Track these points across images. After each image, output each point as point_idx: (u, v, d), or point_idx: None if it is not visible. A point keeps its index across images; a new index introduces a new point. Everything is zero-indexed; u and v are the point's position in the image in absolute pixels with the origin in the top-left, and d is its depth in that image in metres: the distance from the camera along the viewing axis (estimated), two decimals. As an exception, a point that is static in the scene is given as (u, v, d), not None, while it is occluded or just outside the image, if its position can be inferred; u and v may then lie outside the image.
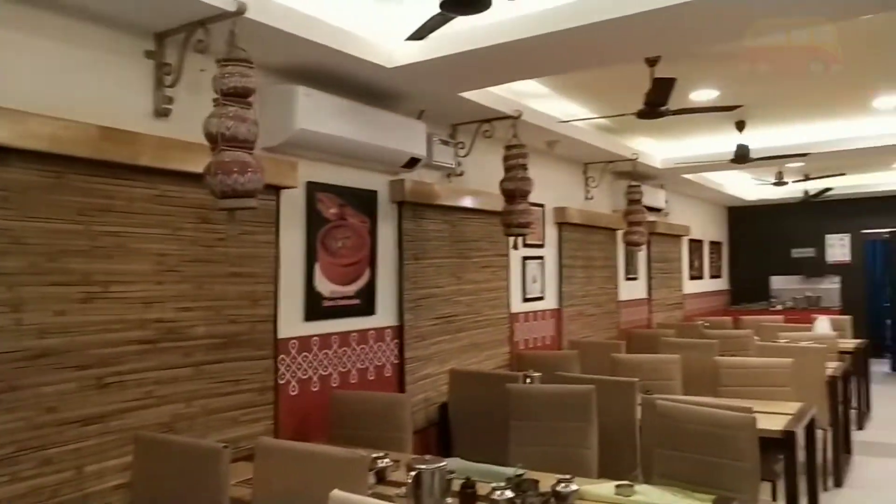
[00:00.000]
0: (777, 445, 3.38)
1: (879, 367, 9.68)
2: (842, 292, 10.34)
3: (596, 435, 3.34)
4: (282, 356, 3.47)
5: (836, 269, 10.47)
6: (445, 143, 4.52)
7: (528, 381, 4.14)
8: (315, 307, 3.66)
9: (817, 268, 10.57)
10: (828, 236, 10.53)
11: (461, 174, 4.75)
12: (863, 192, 9.46)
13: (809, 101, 5.36)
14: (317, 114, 3.33)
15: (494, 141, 4.72)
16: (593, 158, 6.26)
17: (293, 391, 3.54)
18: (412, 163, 4.03)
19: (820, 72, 4.35)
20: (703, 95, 4.86)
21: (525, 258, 5.58)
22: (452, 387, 4.33)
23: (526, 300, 5.59)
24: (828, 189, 8.73)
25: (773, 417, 3.52)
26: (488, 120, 4.51)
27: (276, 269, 3.41)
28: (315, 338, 3.68)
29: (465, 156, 4.71)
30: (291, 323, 3.54)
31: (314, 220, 3.67)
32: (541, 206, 5.75)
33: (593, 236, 6.57)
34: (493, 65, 3.47)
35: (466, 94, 4.04)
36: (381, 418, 3.39)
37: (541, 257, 5.81)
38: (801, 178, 8.04)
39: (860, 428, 6.61)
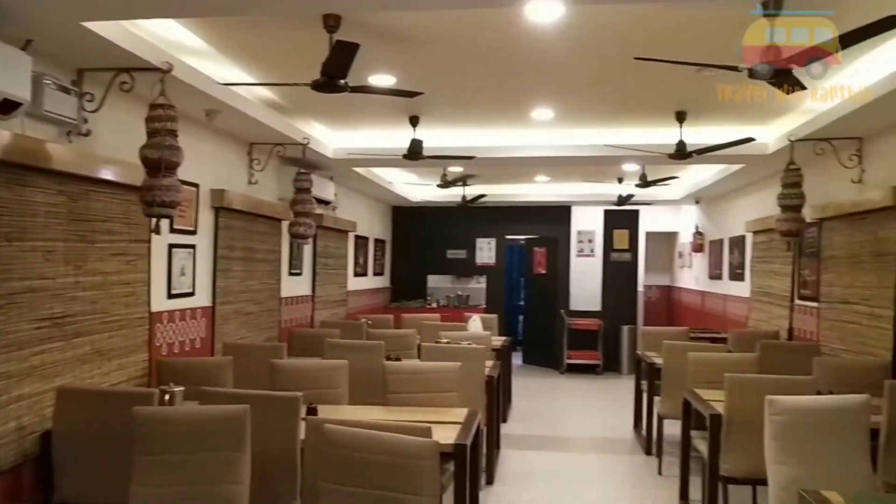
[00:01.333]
0: (447, 457, 3.13)
1: (514, 360, 10.63)
2: (487, 292, 11.17)
3: (248, 466, 2.70)
4: None
5: (483, 270, 11.28)
6: (65, 90, 3.44)
7: (166, 398, 3.33)
8: None
9: (467, 268, 11.28)
10: (478, 240, 11.30)
11: (88, 134, 3.69)
12: (508, 200, 10.28)
13: (478, 107, 5.42)
14: None
15: (137, 99, 3.77)
16: (260, 138, 5.57)
17: None
18: (8, 107, 2.93)
19: (484, 79, 4.39)
20: (381, 80, 4.54)
21: (172, 246, 4.66)
22: (60, 410, 3.30)
23: (172, 296, 4.67)
24: (482, 195, 9.27)
25: (443, 428, 3.26)
26: (129, 70, 3.56)
27: None
28: None
29: (94, 111, 3.67)
30: None
31: None
32: (194, 185, 4.88)
33: (256, 225, 5.87)
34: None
35: (95, 27, 3.08)
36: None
37: (192, 246, 4.93)
38: (461, 182, 8.36)
39: (504, 421, 6.99)
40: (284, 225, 6.11)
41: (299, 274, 7.01)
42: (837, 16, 3.11)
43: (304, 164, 5.80)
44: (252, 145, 5.75)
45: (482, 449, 4.16)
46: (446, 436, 3.16)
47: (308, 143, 5.62)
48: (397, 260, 11.22)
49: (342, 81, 3.58)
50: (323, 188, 6.82)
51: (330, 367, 4.20)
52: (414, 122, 5.69)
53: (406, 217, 11.17)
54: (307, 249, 7.04)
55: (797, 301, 6.34)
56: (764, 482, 3.06)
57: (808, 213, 5.34)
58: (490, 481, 5.17)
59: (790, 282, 6.46)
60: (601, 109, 5.46)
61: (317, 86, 3.59)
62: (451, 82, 4.71)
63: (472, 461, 3.55)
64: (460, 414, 3.66)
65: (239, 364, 4.33)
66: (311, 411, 3.37)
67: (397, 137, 5.99)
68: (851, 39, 2.81)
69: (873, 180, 4.94)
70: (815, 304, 5.86)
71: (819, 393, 3.75)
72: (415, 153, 5.71)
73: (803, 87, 3.27)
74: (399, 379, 4.09)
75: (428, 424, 2.64)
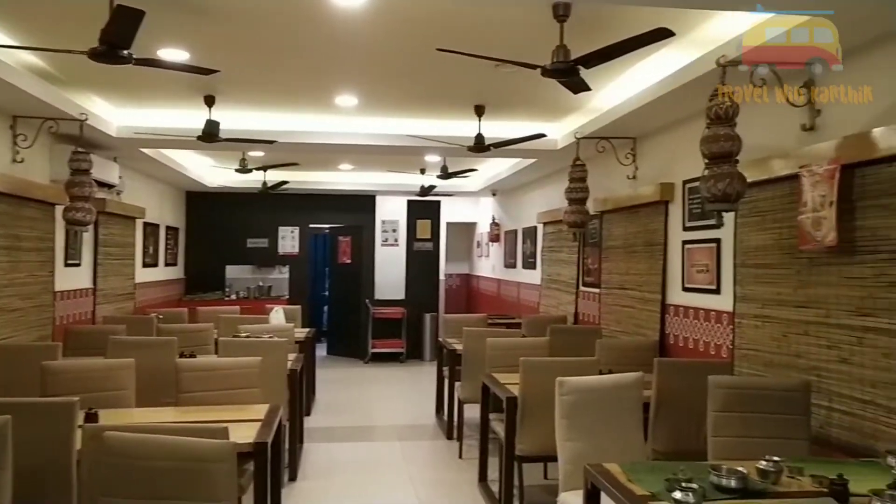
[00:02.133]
0: (247, 457, 2.98)
1: (319, 351, 10.48)
2: (290, 282, 10.88)
3: (9, 486, 2.36)
4: None
5: (286, 260, 10.96)
6: None
7: None
8: None
9: (270, 258, 10.89)
10: (280, 228, 10.95)
11: None
12: (312, 188, 10.07)
13: (279, 89, 5.21)
14: None
15: None
16: (27, 111, 4.91)
17: None
18: None
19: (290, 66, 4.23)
20: (173, 55, 4.19)
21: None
22: None
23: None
24: (284, 182, 8.98)
25: (242, 427, 3.10)
26: None
27: None
28: None
29: None
30: None
31: None
32: (-58, 163, 4.20)
33: (23, 210, 5.18)
34: None
35: None
36: None
37: (-61, 234, 4.24)
38: (261, 167, 8.03)
39: (308, 414, 6.85)
40: (59, 210, 5.47)
41: (78, 265, 6.32)
42: (618, 27, 3.38)
43: (82, 142, 5.20)
44: (16, 118, 5.06)
45: (284, 445, 4.03)
46: (245, 434, 3.01)
47: (86, 120, 5.05)
48: (192, 249, 10.55)
49: (125, 52, 3.24)
50: (105, 170, 6.20)
51: (113, 366, 3.82)
52: (210, 101, 5.34)
53: (202, 203, 10.52)
54: (87, 237, 6.36)
55: (582, 287, 6.88)
56: (555, 459, 3.27)
57: (591, 206, 5.80)
58: (293, 477, 5.03)
59: (576, 270, 7.00)
60: (405, 99, 5.50)
61: (95, 55, 3.21)
62: (251, 61, 4.47)
63: (274, 459, 3.42)
64: (261, 410, 3.50)
65: (2, 370, 3.80)
66: (91, 417, 3.03)
67: (191, 118, 5.60)
68: (623, 49, 3.05)
69: (645, 177, 5.48)
70: (596, 290, 6.40)
71: (601, 372, 4.09)
72: (210, 135, 5.37)
73: (588, 88, 3.52)
74: (193, 377, 3.82)
75: (224, 424, 2.48)
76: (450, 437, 6.15)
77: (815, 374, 3.37)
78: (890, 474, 2.45)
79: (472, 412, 5.64)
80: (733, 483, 2.39)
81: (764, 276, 3.82)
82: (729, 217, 3.99)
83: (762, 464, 2.52)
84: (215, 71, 3.82)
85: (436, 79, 4.81)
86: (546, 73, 3.30)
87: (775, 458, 2.54)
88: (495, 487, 4.59)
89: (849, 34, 3.00)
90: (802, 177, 3.39)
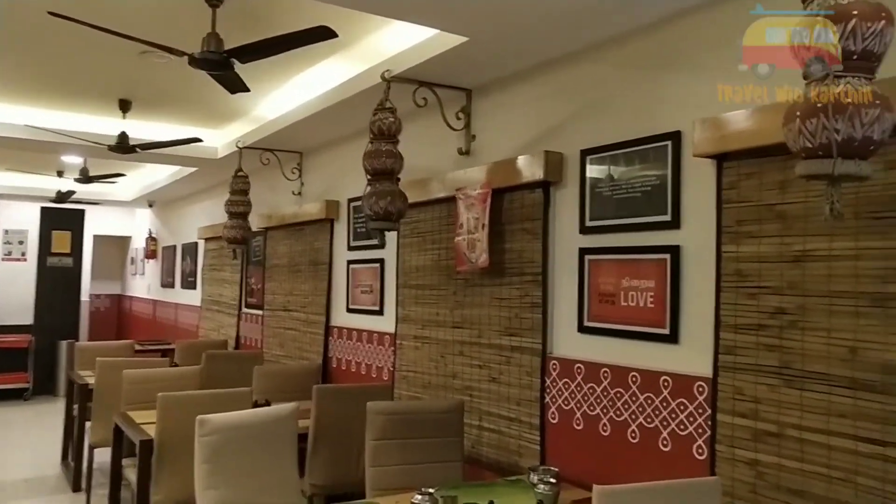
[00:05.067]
0: None
1: None
2: None
3: None
4: None
5: None
6: None
7: None
8: None
9: None
10: None
11: None
12: None
13: None
14: None
15: None
16: None
17: None
18: None
19: None
20: None
21: None
22: None
23: None
24: None
25: None
26: None
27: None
28: None
29: None
30: None
31: None
32: None
33: None
34: None
35: None
36: None
37: None
38: None
39: None
40: None
41: None
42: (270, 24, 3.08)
43: None
44: None
45: None
46: None
47: None
48: None
49: None
50: None
51: None
52: None
53: None
54: None
55: (244, 309, 6.40)
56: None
57: (255, 222, 5.40)
58: None
59: (238, 290, 6.50)
60: (30, 84, 4.52)
61: None
62: None
63: None
64: None
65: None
66: None
67: None
68: (282, 44, 2.76)
69: (311, 194, 5.26)
70: (259, 312, 5.99)
71: (256, 404, 3.70)
72: None
73: (246, 89, 3.15)
74: None
75: None
76: (76, 490, 5.16)
77: (469, 393, 3.41)
78: (534, 493, 2.49)
79: (105, 457, 4.79)
80: (388, 523, 2.20)
81: (424, 297, 3.82)
82: (392, 237, 3.93)
83: (416, 498, 2.38)
84: None
85: (71, 63, 4.00)
86: (194, 62, 2.86)
87: (430, 491, 2.42)
88: (129, 547, 3.88)
89: (496, 66, 3.12)
90: (458, 199, 3.44)
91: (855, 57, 1.50)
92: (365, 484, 3.04)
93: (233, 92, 3.28)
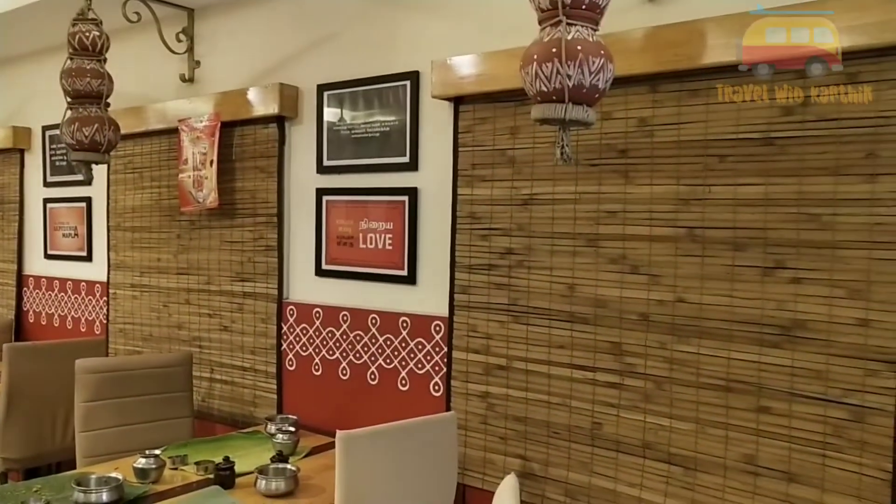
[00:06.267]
0: None
1: None
2: None
3: None
4: None
5: None
6: None
7: None
8: None
9: None
10: None
11: None
12: None
13: None
14: None
15: None
16: None
17: None
18: None
19: None
20: None
21: None
22: None
23: None
24: None
25: None
26: None
27: None
28: None
29: None
30: None
31: None
32: None
33: None
34: None
35: None
36: None
37: None
38: None
39: None
40: None
41: None
42: None
43: None
44: None
45: None
46: None
47: None
48: None
49: None
50: None
51: None
52: None
53: None
54: None
55: None
56: None
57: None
58: None
59: None
60: None
61: None
62: None
63: None
64: None
65: None
66: None
67: None
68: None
69: (-5, 118, 4.39)
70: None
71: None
72: None
73: None
74: None
75: None
76: None
77: (198, 344, 3.16)
78: (272, 443, 2.39)
79: None
80: (105, 497, 1.95)
81: (142, 240, 3.41)
82: (101, 173, 3.43)
83: (140, 461, 2.15)
84: None
85: None
86: None
87: (156, 452, 2.20)
88: None
89: None
90: (182, 132, 3.10)
91: (584, 7, 1.56)
92: (73, 453, 2.68)
93: None
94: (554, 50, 1.54)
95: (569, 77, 1.55)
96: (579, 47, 1.54)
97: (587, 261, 2.08)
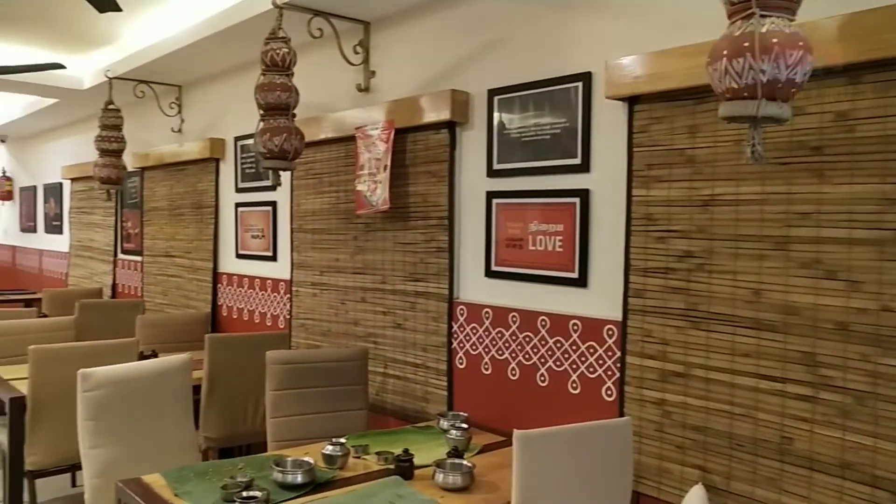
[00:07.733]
0: None
1: None
2: None
3: None
4: None
5: None
6: None
7: None
8: None
9: None
10: None
11: None
12: None
13: None
14: None
15: None
16: None
17: None
18: None
19: None
20: None
21: None
22: None
23: None
24: None
25: None
26: None
27: None
28: None
29: None
30: None
31: None
32: None
33: None
34: None
35: None
36: None
37: None
38: None
39: None
40: None
41: None
42: None
43: None
44: None
45: None
46: None
47: None
48: None
49: None
50: None
51: None
52: None
53: None
54: None
55: (121, 255, 5.96)
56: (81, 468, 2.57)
57: (130, 161, 4.97)
58: None
59: (113, 235, 6.03)
60: None
61: None
62: None
63: None
64: None
65: None
66: None
67: None
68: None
69: (192, 131, 4.88)
70: (138, 258, 5.59)
71: (143, 356, 3.45)
72: None
73: (118, 8, 2.81)
74: None
75: None
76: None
77: (372, 340, 3.33)
78: (445, 439, 2.47)
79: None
80: (300, 478, 2.11)
81: (321, 241, 3.65)
82: (285, 179, 3.72)
83: (328, 448, 2.30)
84: None
85: None
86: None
87: (341, 441, 2.34)
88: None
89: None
90: (358, 139, 3.27)
91: (779, -5, 1.48)
92: (263, 436, 2.92)
93: (102, 11, 2.91)
94: (746, 44, 1.47)
95: (762, 72, 1.48)
96: (775, 40, 1.46)
97: (776, 265, 1.96)
